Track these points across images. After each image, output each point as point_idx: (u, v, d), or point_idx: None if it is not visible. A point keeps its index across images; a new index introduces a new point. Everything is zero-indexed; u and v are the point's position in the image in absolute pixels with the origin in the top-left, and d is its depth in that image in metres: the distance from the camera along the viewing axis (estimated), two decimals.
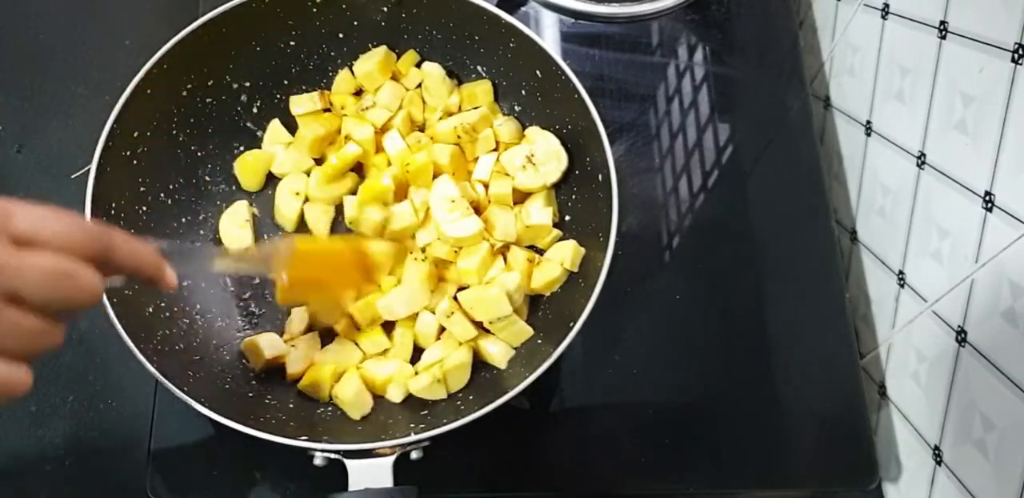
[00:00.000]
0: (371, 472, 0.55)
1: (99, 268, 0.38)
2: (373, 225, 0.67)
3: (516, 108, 0.73)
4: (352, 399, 0.62)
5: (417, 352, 0.67)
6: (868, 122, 0.75)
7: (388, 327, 0.67)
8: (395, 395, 0.64)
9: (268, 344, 0.65)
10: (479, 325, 0.65)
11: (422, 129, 0.73)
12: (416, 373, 0.65)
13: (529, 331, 0.65)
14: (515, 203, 0.70)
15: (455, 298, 0.66)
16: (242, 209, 0.71)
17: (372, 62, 0.71)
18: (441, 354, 0.64)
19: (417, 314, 0.66)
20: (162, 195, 0.66)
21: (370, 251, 0.62)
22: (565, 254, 0.65)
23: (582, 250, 0.65)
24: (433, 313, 0.65)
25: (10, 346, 0.36)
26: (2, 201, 0.36)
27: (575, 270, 0.66)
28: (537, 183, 0.68)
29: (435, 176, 0.69)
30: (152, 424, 0.66)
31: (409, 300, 0.65)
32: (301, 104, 0.72)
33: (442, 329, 0.66)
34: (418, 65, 0.73)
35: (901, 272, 0.69)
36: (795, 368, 0.71)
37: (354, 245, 0.63)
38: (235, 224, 0.70)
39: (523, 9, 0.83)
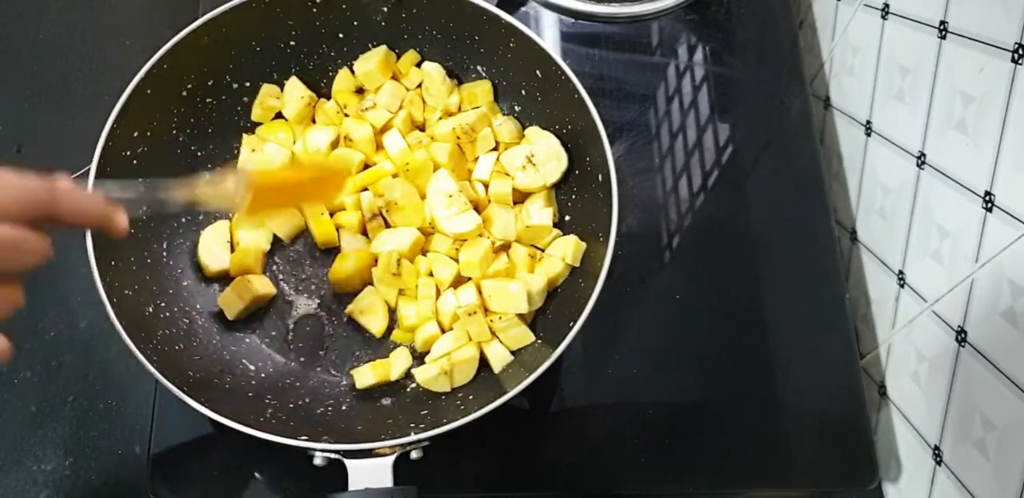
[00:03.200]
0: (371, 472, 0.55)
1: (46, 222, 0.37)
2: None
3: (516, 108, 0.73)
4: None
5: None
6: (868, 122, 0.75)
7: None
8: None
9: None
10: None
11: (422, 129, 0.73)
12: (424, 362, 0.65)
13: (531, 337, 0.65)
14: (515, 203, 0.70)
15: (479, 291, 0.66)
16: (223, 230, 0.70)
17: (372, 62, 0.71)
18: (449, 347, 0.64)
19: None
20: None
21: (325, 167, 0.63)
22: (567, 249, 0.65)
23: (583, 245, 0.65)
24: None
25: None
26: None
27: (576, 265, 0.66)
28: (537, 183, 0.68)
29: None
30: (152, 424, 0.66)
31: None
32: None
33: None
34: (418, 65, 0.73)
35: (901, 272, 0.69)
36: (795, 368, 0.71)
37: (308, 166, 0.63)
38: (216, 242, 0.69)
39: (523, 9, 0.83)
